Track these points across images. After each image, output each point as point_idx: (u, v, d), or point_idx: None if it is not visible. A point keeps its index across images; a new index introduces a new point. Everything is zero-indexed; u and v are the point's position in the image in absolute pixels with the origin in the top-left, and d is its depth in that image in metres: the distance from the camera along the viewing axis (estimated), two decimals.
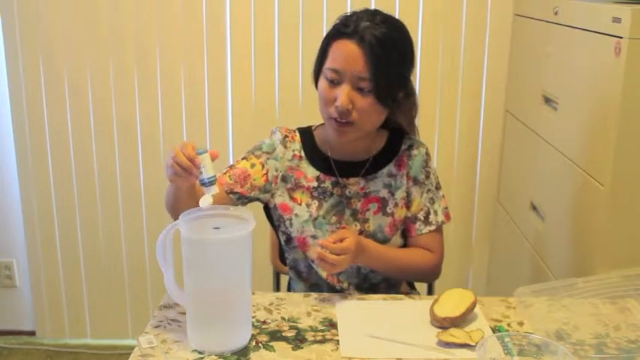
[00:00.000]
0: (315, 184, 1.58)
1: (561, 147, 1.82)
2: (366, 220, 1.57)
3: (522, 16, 2.28)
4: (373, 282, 1.62)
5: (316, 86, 1.53)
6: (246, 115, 2.55)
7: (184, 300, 1.28)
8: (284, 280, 1.86)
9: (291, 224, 1.58)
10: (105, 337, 2.82)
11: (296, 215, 1.57)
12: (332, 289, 1.58)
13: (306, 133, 1.63)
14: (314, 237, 1.56)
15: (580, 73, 1.71)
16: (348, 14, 1.48)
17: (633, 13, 1.43)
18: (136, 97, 2.54)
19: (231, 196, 1.54)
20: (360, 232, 1.57)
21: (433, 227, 1.61)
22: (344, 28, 1.44)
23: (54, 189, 2.65)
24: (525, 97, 2.19)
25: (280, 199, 1.59)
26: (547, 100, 1.95)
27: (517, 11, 2.35)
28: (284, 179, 1.59)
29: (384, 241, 1.58)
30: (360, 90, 1.44)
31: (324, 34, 1.50)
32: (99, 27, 2.47)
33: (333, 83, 1.45)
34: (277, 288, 1.95)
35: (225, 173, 1.56)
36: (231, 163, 1.60)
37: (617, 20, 1.48)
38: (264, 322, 1.35)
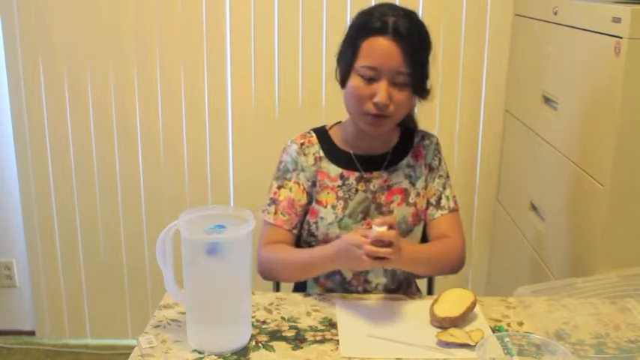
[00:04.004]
0: (340, 182, 1.58)
1: (561, 147, 1.82)
2: (390, 212, 1.58)
3: (522, 16, 2.28)
4: (400, 279, 1.63)
5: (342, 85, 1.53)
6: (246, 115, 2.54)
7: (184, 300, 1.28)
8: None
9: (317, 228, 1.58)
10: (105, 337, 2.81)
11: (321, 218, 1.57)
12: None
13: (323, 133, 1.63)
14: (338, 238, 1.54)
15: (580, 73, 1.71)
16: (367, 11, 1.49)
17: (633, 13, 1.43)
18: (136, 97, 2.54)
19: (294, 231, 1.58)
20: None
21: (445, 211, 1.62)
22: (372, 24, 1.44)
23: (54, 189, 2.65)
24: (525, 97, 2.19)
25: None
26: (547, 100, 1.95)
27: (517, 11, 2.35)
28: (314, 184, 1.60)
29: (407, 231, 1.59)
30: (396, 84, 1.45)
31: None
32: (99, 27, 2.47)
33: (368, 80, 1.45)
34: (277, 288, 1.94)
35: (275, 213, 1.57)
36: (271, 196, 1.59)
37: (617, 20, 1.48)
38: (263, 322, 1.35)
